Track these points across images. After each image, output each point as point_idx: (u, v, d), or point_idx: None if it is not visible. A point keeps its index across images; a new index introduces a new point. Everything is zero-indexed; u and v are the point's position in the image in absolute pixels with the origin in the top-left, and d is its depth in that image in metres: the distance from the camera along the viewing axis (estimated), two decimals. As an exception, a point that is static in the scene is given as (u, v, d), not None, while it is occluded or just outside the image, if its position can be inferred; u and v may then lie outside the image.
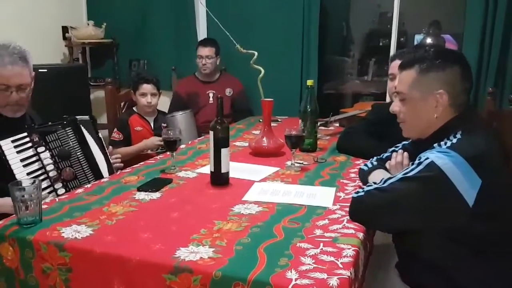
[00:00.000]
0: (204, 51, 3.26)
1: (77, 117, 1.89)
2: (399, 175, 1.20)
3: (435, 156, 1.16)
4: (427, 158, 1.17)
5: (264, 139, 2.07)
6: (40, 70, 3.22)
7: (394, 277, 1.41)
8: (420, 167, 1.17)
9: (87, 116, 1.99)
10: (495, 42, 2.90)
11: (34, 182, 1.30)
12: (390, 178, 1.22)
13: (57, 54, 3.85)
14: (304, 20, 3.38)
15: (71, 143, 1.79)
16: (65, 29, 3.79)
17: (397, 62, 1.93)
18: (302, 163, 1.92)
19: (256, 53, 2.37)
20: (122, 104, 2.95)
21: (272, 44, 3.43)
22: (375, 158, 1.61)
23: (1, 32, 3.16)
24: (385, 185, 1.21)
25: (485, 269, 1.22)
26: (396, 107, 1.38)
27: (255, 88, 2.80)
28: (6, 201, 1.58)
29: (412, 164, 1.21)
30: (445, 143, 1.23)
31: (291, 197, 1.52)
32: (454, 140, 1.23)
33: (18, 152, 1.69)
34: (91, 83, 3.80)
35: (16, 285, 1.24)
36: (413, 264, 1.35)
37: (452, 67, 1.27)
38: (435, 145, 1.25)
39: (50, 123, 1.82)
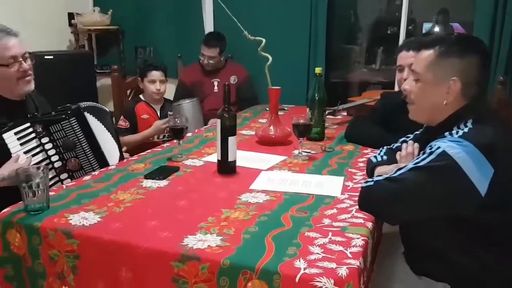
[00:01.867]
0: (207, 51, 3.16)
1: (83, 103, 1.86)
2: (410, 165, 1.19)
3: (447, 145, 1.15)
4: (438, 147, 1.15)
5: (271, 127, 2.06)
6: (46, 57, 3.23)
7: (402, 265, 1.40)
8: (432, 156, 1.15)
9: (103, 107, 1.98)
10: (506, 31, 2.85)
11: (41, 169, 1.29)
12: (400, 168, 1.21)
13: (63, 41, 3.84)
14: (312, 7, 3.35)
15: (75, 133, 1.75)
16: (71, 16, 3.77)
17: (404, 53, 1.91)
18: (309, 152, 1.90)
19: (264, 40, 2.34)
20: (128, 92, 2.94)
21: (279, 32, 3.39)
22: (384, 148, 1.59)
23: (8, 18, 3.14)
24: (395, 175, 1.19)
25: (493, 259, 1.21)
26: (407, 85, 1.35)
27: (261, 76, 2.78)
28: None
29: (423, 153, 1.19)
30: (457, 132, 1.21)
31: (298, 186, 1.51)
32: (466, 129, 1.21)
33: (21, 144, 1.67)
34: (97, 71, 3.79)
35: (24, 272, 1.25)
36: (420, 254, 1.34)
37: (471, 56, 1.24)
38: (446, 134, 1.23)
39: (53, 112, 1.80)
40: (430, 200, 1.16)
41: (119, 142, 1.98)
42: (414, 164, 1.18)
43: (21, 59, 1.74)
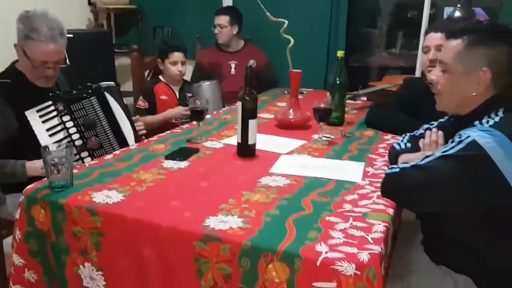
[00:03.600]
0: (217, 19, 3.22)
1: (103, 83, 1.87)
2: (438, 153, 1.16)
3: (477, 134, 1.12)
4: (468, 137, 1.13)
5: (291, 111, 2.05)
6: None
7: (420, 253, 1.39)
8: (461, 145, 1.13)
9: (113, 82, 1.98)
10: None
11: (65, 146, 1.31)
12: (427, 156, 1.18)
13: (82, 20, 3.84)
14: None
15: (96, 112, 1.77)
16: (90, -6, 3.77)
17: (433, 35, 1.86)
18: (329, 137, 1.89)
19: (286, 22, 2.29)
20: (146, 73, 2.94)
21: (299, 14, 3.33)
22: (407, 136, 1.56)
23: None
24: (422, 162, 1.17)
25: None
26: (434, 76, 1.31)
27: (279, 58, 2.74)
28: (36, 164, 1.60)
29: (452, 141, 1.17)
30: (487, 122, 1.19)
31: (318, 170, 1.50)
32: (497, 119, 1.19)
33: (43, 122, 1.70)
34: (115, 50, 3.79)
35: (48, 247, 1.28)
36: (441, 243, 1.33)
37: (501, 46, 1.20)
38: (476, 123, 1.21)
39: (74, 91, 1.81)
40: (457, 190, 1.13)
41: (132, 121, 1.98)
42: (442, 152, 1.15)
43: (50, 65, 1.71)
